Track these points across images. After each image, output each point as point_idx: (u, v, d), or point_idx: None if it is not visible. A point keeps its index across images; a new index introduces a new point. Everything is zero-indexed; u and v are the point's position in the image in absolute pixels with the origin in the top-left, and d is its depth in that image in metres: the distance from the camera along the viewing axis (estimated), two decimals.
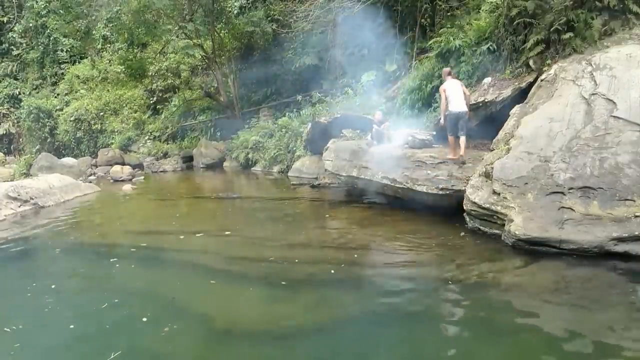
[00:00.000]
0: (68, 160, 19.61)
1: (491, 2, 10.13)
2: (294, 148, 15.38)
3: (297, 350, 4.38)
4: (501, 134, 7.94)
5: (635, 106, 6.69)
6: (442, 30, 11.94)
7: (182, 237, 8.17)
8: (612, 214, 5.92)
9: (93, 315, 5.10)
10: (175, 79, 22.08)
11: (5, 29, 28.02)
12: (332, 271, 6.13)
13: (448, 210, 7.81)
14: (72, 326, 4.81)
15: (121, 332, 4.73)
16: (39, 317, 5.15)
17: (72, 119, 23.21)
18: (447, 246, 6.90)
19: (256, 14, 18.29)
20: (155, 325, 4.78)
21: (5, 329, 4.80)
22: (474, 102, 9.47)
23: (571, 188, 6.31)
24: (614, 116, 6.73)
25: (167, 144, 21.02)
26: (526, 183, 6.68)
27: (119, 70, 22.76)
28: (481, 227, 7.06)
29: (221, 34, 19.57)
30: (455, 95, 8.47)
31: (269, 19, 18.63)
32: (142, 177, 17.35)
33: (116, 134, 22.31)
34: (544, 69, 8.41)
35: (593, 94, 7.12)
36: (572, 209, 6.13)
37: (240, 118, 19.41)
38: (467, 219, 7.29)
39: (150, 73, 20.88)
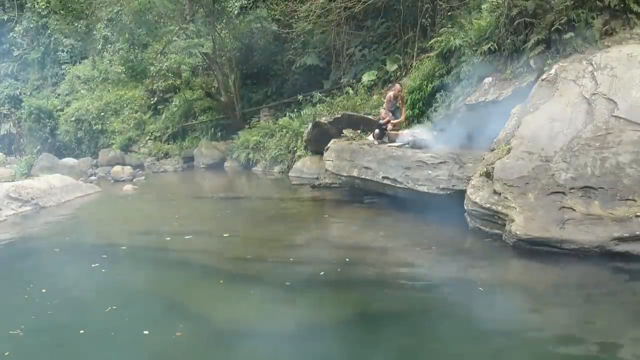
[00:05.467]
0: (69, 161, 19.61)
1: (492, 2, 10.11)
2: (295, 148, 15.37)
3: (300, 350, 4.38)
4: (502, 133, 7.93)
5: (636, 106, 6.67)
6: (442, 30, 11.93)
7: (183, 237, 8.17)
8: (613, 214, 5.91)
9: (98, 318, 5.07)
10: (176, 79, 22.04)
11: (6, 29, 28.02)
12: (334, 271, 6.13)
13: (449, 210, 7.80)
14: (81, 331, 4.76)
15: (125, 333, 4.72)
16: (43, 319, 5.12)
17: (72, 119, 23.20)
18: (447, 246, 6.91)
19: (261, 12, 18.26)
20: (158, 327, 4.78)
21: (11, 331, 4.78)
22: (475, 102, 9.46)
23: (572, 188, 6.30)
24: (615, 116, 6.71)
25: (168, 144, 20.99)
26: (527, 183, 6.67)
27: (120, 71, 22.74)
28: (482, 227, 7.06)
29: (222, 34, 19.57)
30: None
31: (270, 18, 18.63)
32: (143, 178, 17.35)
33: (117, 134, 22.30)
34: (544, 68, 8.39)
35: (594, 94, 7.11)
36: (573, 209, 6.13)
37: (240, 118, 19.39)
38: (468, 219, 7.29)
39: (151, 73, 20.86)
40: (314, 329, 4.71)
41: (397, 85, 11.34)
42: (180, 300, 5.50)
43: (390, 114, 10.68)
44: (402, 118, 10.90)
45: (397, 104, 10.80)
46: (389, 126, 10.57)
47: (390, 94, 10.91)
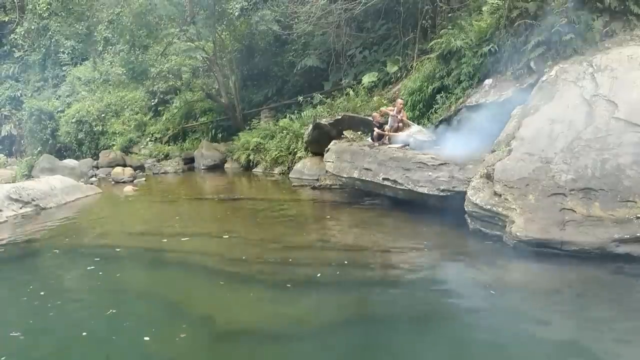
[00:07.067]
0: (69, 162, 19.60)
1: (492, 4, 10.13)
2: (295, 149, 15.38)
3: (300, 351, 4.38)
4: (502, 135, 7.93)
5: (636, 107, 6.67)
6: (443, 31, 11.94)
7: (183, 238, 8.17)
8: (613, 216, 5.90)
9: (99, 321, 5.07)
10: (176, 80, 22.08)
11: (7, 31, 28.08)
12: (334, 273, 6.13)
13: (449, 211, 7.80)
14: (84, 333, 4.75)
15: (127, 337, 4.72)
16: (43, 322, 5.11)
17: (73, 120, 23.23)
18: (448, 248, 6.90)
19: (266, 14, 18.26)
20: (160, 331, 4.78)
21: (11, 334, 4.77)
22: (475, 103, 9.47)
23: (572, 189, 6.30)
24: (615, 117, 6.71)
25: (169, 145, 21.02)
26: (527, 184, 6.67)
27: (121, 72, 22.81)
28: (482, 229, 7.05)
29: (222, 36, 19.59)
30: None
31: (272, 20, 18.67)
32: (144, 179, 17.36)
33: (117, 135, 22.33)
34: (545, 70, 8.40)
35: (594, 95, 7.11)
36: (573, 210, 6.12)
37: (241, 119, 19.42)
38: (469, 221, 7.29)
39: (152, 75, 20.92)
40: (314, 331, 4.70)
41: (400, 100, 11.31)
42: (182, 302, 5.50)
43: (395, 124, 10.64)
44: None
45: (399, 120, 10.71)
46: (386, 127, 10.57)
47: (394, 109, 10.88)
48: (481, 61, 10.08)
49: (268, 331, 4.73)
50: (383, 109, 11.58)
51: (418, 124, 11.54)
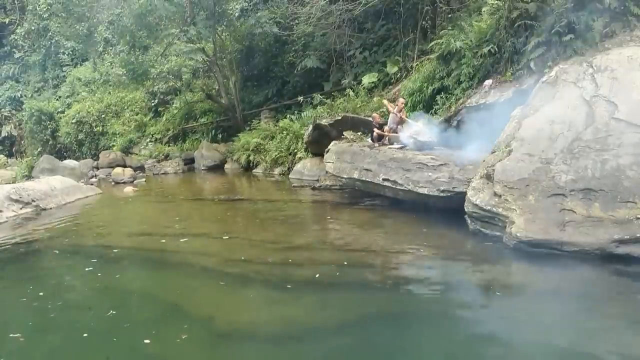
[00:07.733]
0: (69, 163, 19.60)
1: (492, 4, 10.14)
2: (295, 150, 15.38)
3: (301, 352, 4.38)
4: (502, 136, 7.93)
5: (636, 108, 6.67)
6: (443, 32, 11.95)
7: (183, 239, 8.18)
8: (613, 216, 5.90)
9: (100, 322, 5.06)
10: (176, 81, 22.09)
11: (8, 32, 28.11)
12: (334, 274, 6.13)
13: (449, 212, 7.81)
14: (84, 334, 4.75)
15: (127, 339, 4.71)
16: (43, 323, 5.11)
17: (73, 121, 23.24)
18: (448, 248, 6.90)
19: (263, 15, 18.29)
20: (161, 332, 4.78)
21: (11, 335, 4.77)
22: (475, 104, 9.47)
23: (572, 190, 6.30)
24: (615, 118, 6.71)
25: (169, 146, 21.01)
26: (527, 185, 6.67)
27: (121, 73, 22.81)
28: (482, 229, 7.05)
29: (222, 37, 19.60)
30: None
31: (271, 21, 18.69)
32: (144, 180, 17.36)
33: (117, 136, 22.34)
34: (544, 70, 8.41)
35: (594, 96, 7.11)
36: (573, 211, 6.12)
37: (241, 120, 19.41)
38: (469, 221, 7.29)
39: (152, 75, 20.93)
40: (314, 331, 4.70)
41: (402, 99, 11.29)
42: (182, 303, 5.50)
43: (394, 126, 10.63)
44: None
45: (399, 119, 10.71)
46: (386, 128, 10.57)
47: (395, 109, 10.87)
48: (481, 62, 10.09)
49: (268, 332, 4.73)
50: (385, 101, 11.58)
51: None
